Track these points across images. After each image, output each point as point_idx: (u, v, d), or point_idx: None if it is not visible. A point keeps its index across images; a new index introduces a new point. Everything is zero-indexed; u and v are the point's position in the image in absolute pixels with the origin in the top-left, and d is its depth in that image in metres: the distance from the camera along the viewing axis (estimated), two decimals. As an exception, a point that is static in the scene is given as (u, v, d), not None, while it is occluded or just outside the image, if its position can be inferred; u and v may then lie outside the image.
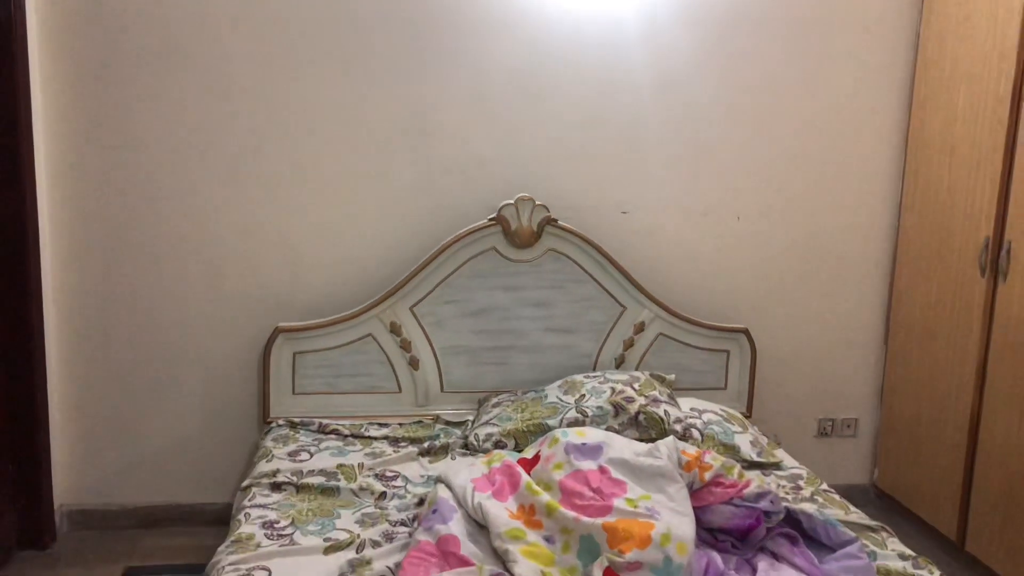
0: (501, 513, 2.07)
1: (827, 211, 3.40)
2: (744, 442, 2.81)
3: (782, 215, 3.37)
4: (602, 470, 2.18)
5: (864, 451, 3.60)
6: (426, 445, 2.78)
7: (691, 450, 2.30)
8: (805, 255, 3.42)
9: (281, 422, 2.97)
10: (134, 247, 3.02)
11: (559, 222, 3.11)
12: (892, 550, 2.18)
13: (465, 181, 3.16)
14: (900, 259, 3.41)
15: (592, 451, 2.25)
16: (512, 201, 3.07)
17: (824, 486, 2.60)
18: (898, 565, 2.10)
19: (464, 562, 1.93)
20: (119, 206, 2.99)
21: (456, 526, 2.03)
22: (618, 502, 2.06)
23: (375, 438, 2.86)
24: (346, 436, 2.87)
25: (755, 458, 2.75)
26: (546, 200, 3.12)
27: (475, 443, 2.75)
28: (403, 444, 2.83)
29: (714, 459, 2.26)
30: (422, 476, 2.58)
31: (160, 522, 3.18)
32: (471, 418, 3.02)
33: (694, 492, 2.19)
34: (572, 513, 2.03)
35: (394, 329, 3.08)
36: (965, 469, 3.02)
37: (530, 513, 2.09)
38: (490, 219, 3.08)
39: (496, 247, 3.10)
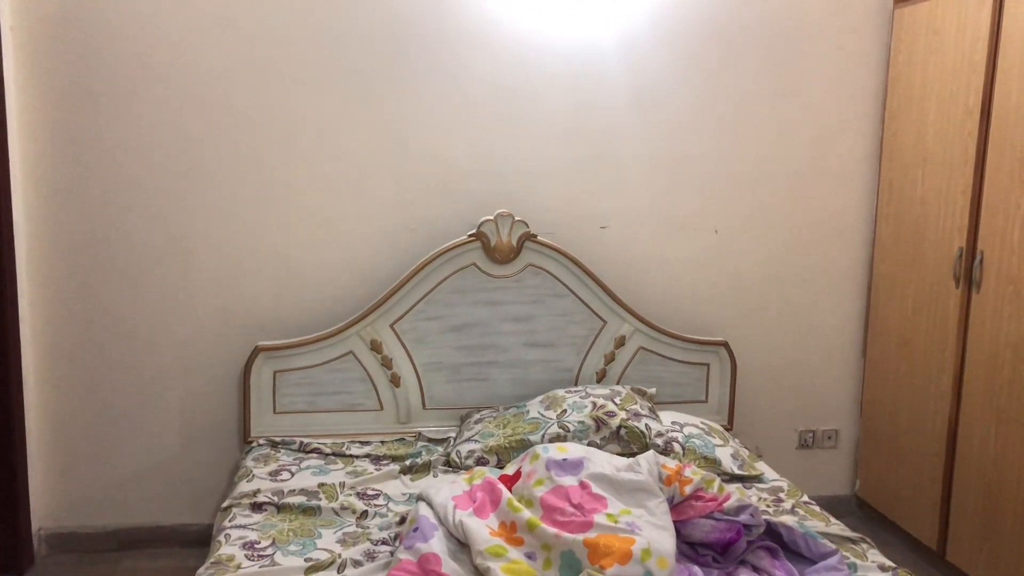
0: (482, 530, 2.07)
1: (804, 223, 3.43)
2: (725, 455, 2.82)
3: (759, 228, 3.40)
4: (583, 485, 2.19)
5: (845, 462, 3.63)
6: (408, 463, 2.77)
7: (671, 464, 2.32)
8: (783, 267, 3.44)
9: (262, 441, 2.96)
10: (111, 265, 3.01)
11: (538, 237, 3.13)
12: (872, 561, 2.19)
13: (444, 197, 3.16)
14: (876, 270, 3.44)
15: (573, 466, 2.25)
16: (492, 217, 3.08)
17: (805, 498, 2.61)
18: (878, 576, 2.12)
19: (445, 580, 1.92)
20: (96, 225, 2.98)
21: (437, 544, 2.03)
22: (599, 517, 2.06)
23: (356, 456, 2.86)
24: (327, 455, 2.86)
25: (736, 471, 2.76)
26: (525, 216, 3.13)
27: (457, 460, 2.74)
28: (385, 462, 2.82)
29: (694, 473, 2.27)
30: (404, 494, 2.57)
31: (140, 544, 3.15)
32: (453, 435, 3.02)
33: (675, 506, 2.20)
34: (553, 529, 2.03)
35: (375, 346, 3.08)
36: (944, 478, 3.04)
37: (511, 530, 2.09)
38: (470, 235, 3.09)
39: (476, 263, 3.11)
